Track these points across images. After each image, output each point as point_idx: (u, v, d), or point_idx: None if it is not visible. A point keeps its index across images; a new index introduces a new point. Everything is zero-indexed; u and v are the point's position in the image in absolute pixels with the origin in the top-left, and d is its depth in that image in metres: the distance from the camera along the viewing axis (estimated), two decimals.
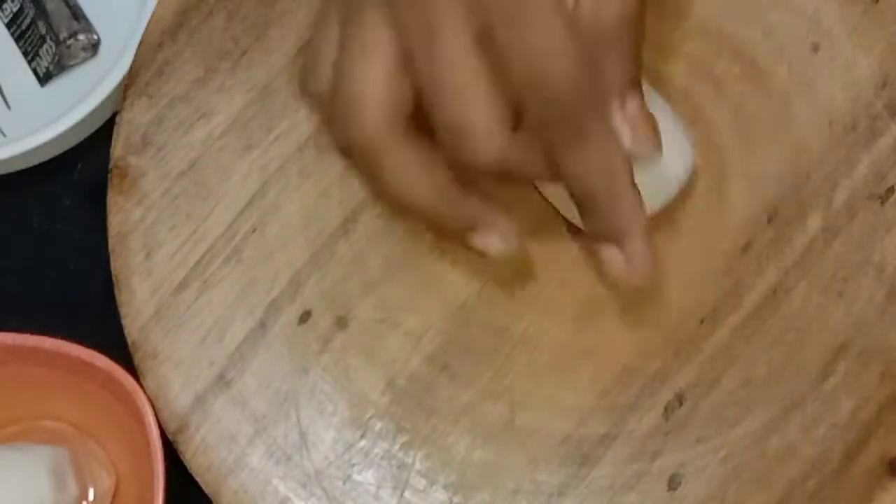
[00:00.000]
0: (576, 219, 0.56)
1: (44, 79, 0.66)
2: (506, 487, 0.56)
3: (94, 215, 0.60)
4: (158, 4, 0.60)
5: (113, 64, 0.62)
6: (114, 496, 0.60)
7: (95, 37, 0.66)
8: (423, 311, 0.58)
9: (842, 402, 0.57)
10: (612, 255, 0.52)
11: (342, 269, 0.58)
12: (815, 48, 0.60)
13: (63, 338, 0.57)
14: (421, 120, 0.49)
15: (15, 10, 0.66)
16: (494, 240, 0.52)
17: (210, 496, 0.56)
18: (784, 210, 0.59)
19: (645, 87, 0.53)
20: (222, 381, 0.57)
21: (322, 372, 0.57)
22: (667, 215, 0.58)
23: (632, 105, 0.51)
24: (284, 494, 0.56)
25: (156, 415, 0.56)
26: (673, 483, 0.56)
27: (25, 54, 0.66)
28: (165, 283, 0.58)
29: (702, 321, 0.58)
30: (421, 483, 0.56)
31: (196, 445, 0.56)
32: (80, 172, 0.65)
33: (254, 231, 0.58)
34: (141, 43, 0.60)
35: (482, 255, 0.52)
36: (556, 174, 0.49)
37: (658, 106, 0.55)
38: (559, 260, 0.59)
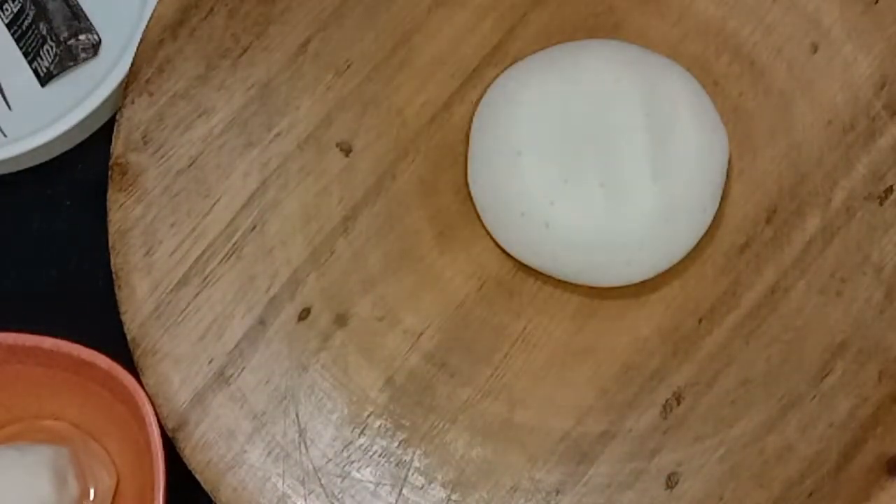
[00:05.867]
0: (521, 257, 0.58)
1: (44, 79, 0.66)
2: (504, 485, 0.57)
3: (94, 215, 0.60)
4: (159, 2, 0.60)
5: (113, 64, 0.63)
6: (114, 495, 0.60)
7: (96, 37, 0.66)
8: (422, 310, 0.58)
9: (840, 402, 0.57)
10: None
11: (341, 267, 0.58)
12: (815, 48, 0.60)
13: (63, 337, 0.57)
14: None
15: (16, 10, 0.66)
16: None
17: (209, 493, 0.56)
18: (783, 209, 0.59)
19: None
20: (221, 377, 0.57)
21: (321, 369, 0.57)
22: None
23: None
24: (283, 491, 0.56)
25: (155, 412, 0.56)
26: (671, 481, 0.56)
27: (26, 54, 0.66)
28: (165, 280, 0.58)
29: (700, 320, 0.58)
30: (419, 480, 0.56)
31: (195, 442, 0.57)
32: (80, 172, 0.65)
33: (253, 228, 0.59)
34: (142, 40, 0.60)
35: None
36: None
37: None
38: None
